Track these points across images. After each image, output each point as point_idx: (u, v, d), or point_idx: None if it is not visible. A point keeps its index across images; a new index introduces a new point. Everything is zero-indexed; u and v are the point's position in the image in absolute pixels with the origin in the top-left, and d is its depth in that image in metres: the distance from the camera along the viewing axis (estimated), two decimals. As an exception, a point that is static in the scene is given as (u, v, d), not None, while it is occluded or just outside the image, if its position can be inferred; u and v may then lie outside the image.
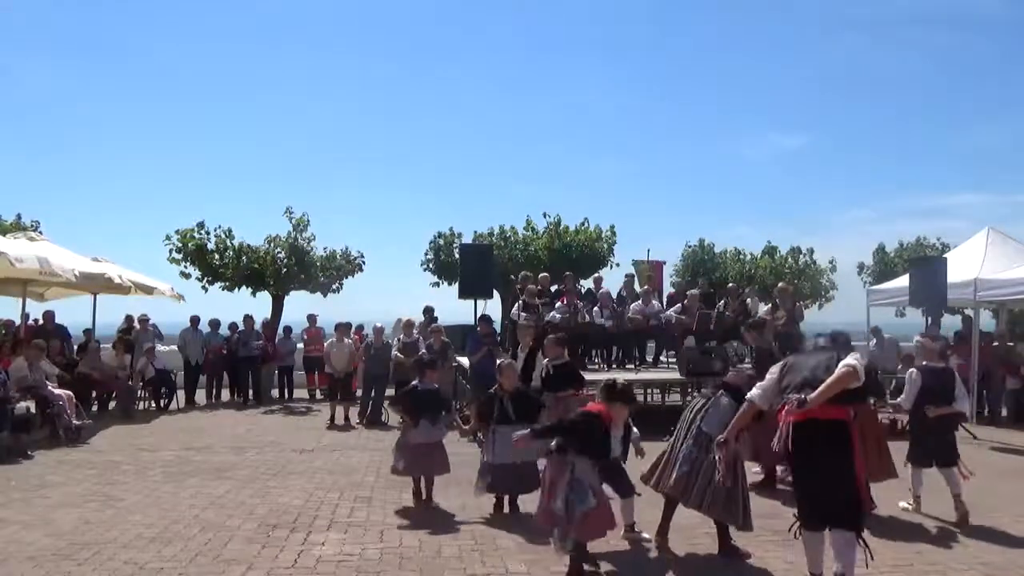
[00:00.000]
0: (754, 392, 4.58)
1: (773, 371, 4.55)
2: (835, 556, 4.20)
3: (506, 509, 6.26)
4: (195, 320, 14.85)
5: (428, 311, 13.27)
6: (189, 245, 16.43)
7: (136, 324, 14.37)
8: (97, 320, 14.04)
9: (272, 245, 16.71)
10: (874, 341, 13.36)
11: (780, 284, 13.75)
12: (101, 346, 13.40)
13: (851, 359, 4.13)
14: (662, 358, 13.23)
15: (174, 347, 14.86)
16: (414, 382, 6.73)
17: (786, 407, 4.16)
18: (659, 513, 5.47)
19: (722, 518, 5.05)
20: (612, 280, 15.94)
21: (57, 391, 9.90)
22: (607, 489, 5.08)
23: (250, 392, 14.47)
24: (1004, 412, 12.62)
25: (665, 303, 13.68)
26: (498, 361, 7.16)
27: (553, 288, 13.23)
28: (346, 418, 11.91)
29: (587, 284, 14.73)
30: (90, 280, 12.04)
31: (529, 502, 5.92)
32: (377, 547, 5.34)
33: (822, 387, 4.05)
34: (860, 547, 4.14)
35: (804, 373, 4.27)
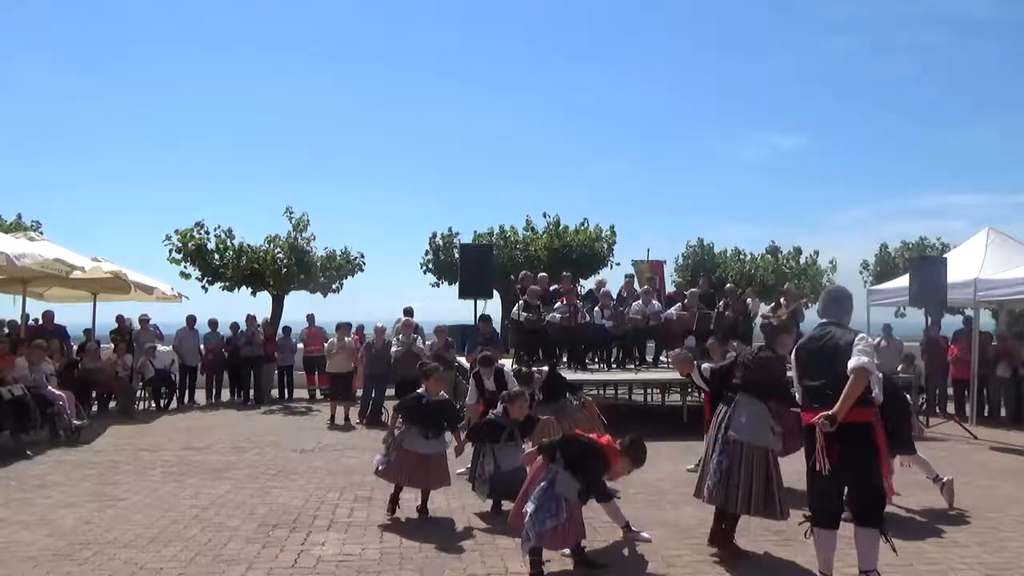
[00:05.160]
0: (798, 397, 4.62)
1: (791, 364, 4.63)
2: (860, 555, 4.31)
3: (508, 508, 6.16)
4: (191, 320, 14.85)
5: (408, 312, 13.33)
6: (189, 245, 16.44)
7: (136, 324, 14.39)
8: (97, 320, 14.06)
9: (272, 245, 16.72)
10: (881, 338, 13.38)
11: (787, 285, 13.81)
12: (101, 346, 13.39)
13: (856, 360, 4.10)
14: (662, 358, 13.23)
15: (173, 347, 14.87)
16: (420, 391, 6.34)
17: (816, 422, 4.15)
18: (658, 513, 5.47)
19: (766, 515, 5.09)
20: (612, 280, 15.95)
21: (57, 391, 9.89)
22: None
23: (250, 392, 14.49)
24: (1004, 412, 12.64)
25: (665, 303, 13.68)
26: (506, 392, 6.64)
27: (552, 288, 13.23)
28: (346, 418, 11.90)
29: (588, 285, 14.74)
30: (90, 280, 12.04)
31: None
32: (377, 547, 5.34)
33: (841, 400, 4.06)
34: (883, 543, 4.26)
35: (814, 382, 4.33)
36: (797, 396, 4.66)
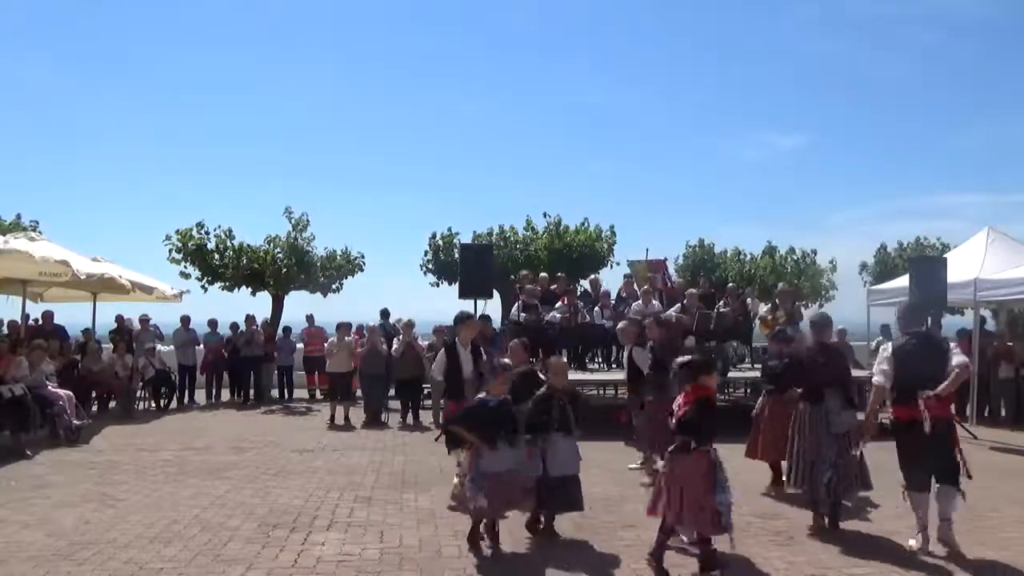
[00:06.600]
0: (879, 379, 5.39)
1: (886, 350, 5.43)
2: (940, 507, 5.18)
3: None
4: (186, 320, 14.85)
5: (384, 314, 13.31)
6: (189, 245, 16.44)
7: (136, 324, 14.38)
8: (97, 320, 14.05)
9: (272, 245, 16.71)
10: (881, 339, 13.37)
11: (780, 285, 13.75)
12: (101, 346, 13.38)
13: (960, 358, 5.20)
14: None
15: (172, 347, 14.87)
16: (480, 395, 5.47)
17: (925, 401, 5.10)
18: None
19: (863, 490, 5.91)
20: (613, 280, 15.92)
21: (57, 391, 9.89)
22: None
23: (250, 392, 14.48)
24: (1003, 412, 12.63)
25: (667, 303, 13.66)
26: (551, 359, 6.18)
27: (551, 287, 13.22)
28: (346, 418, 11.89)
29: (586, 284, 14.72)
30: (90, 280, 12.02)
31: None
32: (377, 547, 5.34)
33: (947, 384, 5.11)
34: (960, 497, 5.18)
35: (913, 380, 5.19)
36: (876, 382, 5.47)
